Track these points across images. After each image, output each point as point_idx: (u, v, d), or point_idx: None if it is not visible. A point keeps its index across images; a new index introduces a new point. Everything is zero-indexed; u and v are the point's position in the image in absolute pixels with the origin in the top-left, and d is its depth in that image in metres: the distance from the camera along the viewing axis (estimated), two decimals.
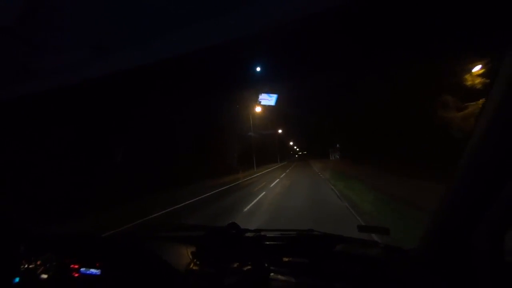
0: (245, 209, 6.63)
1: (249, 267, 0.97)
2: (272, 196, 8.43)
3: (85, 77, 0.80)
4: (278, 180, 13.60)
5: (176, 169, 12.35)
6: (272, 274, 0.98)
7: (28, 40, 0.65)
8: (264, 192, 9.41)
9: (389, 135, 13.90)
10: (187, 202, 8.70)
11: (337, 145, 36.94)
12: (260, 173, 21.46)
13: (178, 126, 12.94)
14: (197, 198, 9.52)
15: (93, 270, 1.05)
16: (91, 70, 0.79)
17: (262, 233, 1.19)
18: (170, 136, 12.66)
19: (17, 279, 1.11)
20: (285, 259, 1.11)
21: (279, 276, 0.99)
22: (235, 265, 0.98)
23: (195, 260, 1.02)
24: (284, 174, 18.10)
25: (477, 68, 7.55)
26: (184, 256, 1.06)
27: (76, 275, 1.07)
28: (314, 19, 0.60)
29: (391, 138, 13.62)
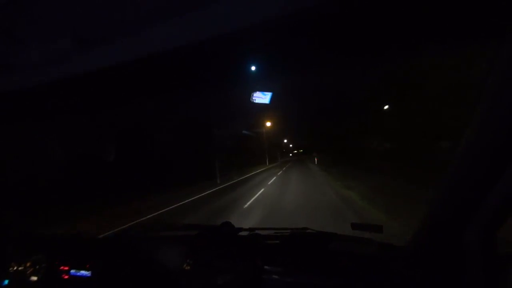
0: (285, 168, 21.46)
1: (242, 266, 0.96)
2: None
3: (68, 72, 0.76)
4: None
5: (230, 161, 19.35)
6: (266, 273, 0.97)
7: (9, 33, 0.61)
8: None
9: None
10: (266, 167, 22.46)
11: None
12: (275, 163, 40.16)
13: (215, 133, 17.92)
14: (264, 168, 21.87)
15: (83, 272, 1.03)
16: (74, 64, 0.75)
17: (256, 232, 1.18)
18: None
19: (6, 282, 1.08)
20: (279, 257, 1.11)
21: (273, 275, 0.99)
22: (229, 264, 0.97)
23: (188, 260, 1.01)
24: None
25: None
26: (177, 256, 1.05)
27: (66, 277, 1.05)
28: (311, 14, 0.58)
29: None
